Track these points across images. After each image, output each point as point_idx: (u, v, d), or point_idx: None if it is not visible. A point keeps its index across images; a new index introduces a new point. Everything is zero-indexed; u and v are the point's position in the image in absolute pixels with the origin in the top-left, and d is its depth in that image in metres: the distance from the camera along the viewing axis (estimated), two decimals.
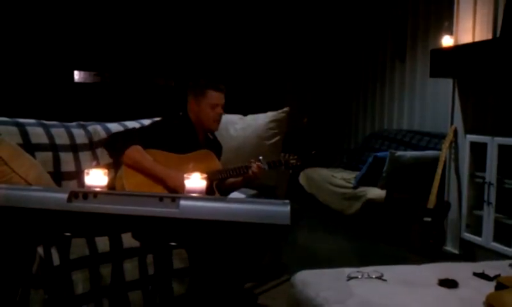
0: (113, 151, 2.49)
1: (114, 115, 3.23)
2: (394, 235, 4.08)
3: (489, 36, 3.55)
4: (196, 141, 2.70)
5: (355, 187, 4.59)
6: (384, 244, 4.10)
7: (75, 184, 2.52)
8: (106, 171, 1.60)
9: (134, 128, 2.75)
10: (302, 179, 5.72)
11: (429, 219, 3.78)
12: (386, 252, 3.93)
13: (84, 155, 2.65)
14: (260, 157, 2.67)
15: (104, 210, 1.39)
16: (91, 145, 2.70)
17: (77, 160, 2.59)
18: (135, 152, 2.44)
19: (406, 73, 5.52)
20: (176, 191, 2.34)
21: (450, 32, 3.91)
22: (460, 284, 1.83)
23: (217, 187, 2.63)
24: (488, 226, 3.48)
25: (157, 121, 2.76)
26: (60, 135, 2.58)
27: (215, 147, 2.82)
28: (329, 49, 6.94)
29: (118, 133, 2.62)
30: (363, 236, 4.37)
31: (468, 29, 3.73)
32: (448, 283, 1.83)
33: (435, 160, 3.94)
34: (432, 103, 5.02)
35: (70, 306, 1.96)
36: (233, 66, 6.22)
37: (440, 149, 4.02)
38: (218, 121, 2.72)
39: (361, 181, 4.56)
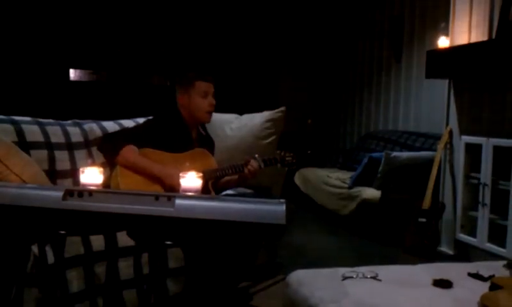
0: (107, 153, 2.49)
1: (109, 113, 3.22)
2: (389, 235, 4.09)
3: (485, 38, 3.56)
4: (189, 137, 2.69)
5: (350, 187, 4.60)
6: (379, 244, 4.11)
7: (70, 182, 2.51)
8: (101, 169, 1.60)
9: (127, 128, 2.74)
10: (297, 179, 5.73)
11: (424, 220, 3.78)
12: (381, 252, 3.93)
13: (80, 154, 2.63)
14: (256, 155, 2.67)
15: (99, 209, 1.39)
16: (87, 143, 2.69)
17: (72, 159, 2.58)
18: (129, 153, 2.43)
19: (402, 73, 5.53)
20: (173, 189, 2.34)
21: (447, 33, 3.92)
22: (454, 284, 1.84)
23: (212, 186, 2.62)
24: (483, 227, 3.49)
25: (149, 119, 2.75)
26: (55, 134, 2.57)
27: (208, 143, 2.81)
28: (325, 49, 6.95)
29: (110, 134, 2.62)
30: (358, 236, 4.38)
31: (463, 30, 3.73)
32: (443, 283, 1.83)
33: (430, 161, 3.95)
34: (428, 104, 5.03)
35: (64, 304, 1.95)
36: (230, 66, 6.22)
37: (435, 150, 4.03)
38: (210, 112, 2.70)
39: (357, 182, 4.56)
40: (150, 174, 2.42)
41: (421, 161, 4.24)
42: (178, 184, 1.65)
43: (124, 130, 2.69)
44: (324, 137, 6.92)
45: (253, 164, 2.61)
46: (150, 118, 2.77)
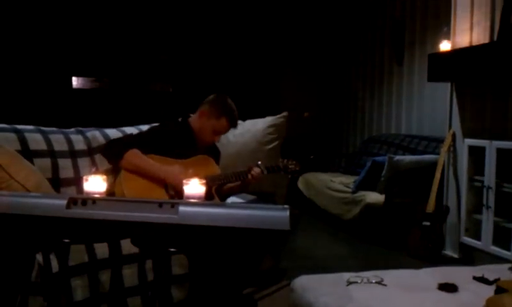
0: (111, 157, 2.49)
1: (112, 121, 3.23)
2: (393, 239, 4.08)
3: (487, 40, 3.56)
4: (194, 146, 2.70)
5: (354, 192, 4.59)
6: (384, 248, 4.10)
7: (73, 190, 2.52)
8: (105, 177, 1.60)
9: (131, 134, 2.75)
10: (301, 184, 5.72)
11: (428, 223, 3.78)
12: (385, 256, 3.92)
13: (83, 161, 2.64)
14: (259, 162, 2.67)
15: (103, 217, 1.39)
16: (90, 151, 2.70)
17: (75, 167, 2.59)
18: (133, 156, 2.43)
19: (404, 77, 5.53)
20: (177, 188, 2.34)
21: (448, 36, 3.92)
22: (460, 288, 1.83)
23: (216, 192, 2.62)
24: (487, 230, 3.48)
25: (154, 126, 2.76)
26: (58, 142, 2.58)
27: (213, 152, 2.82)
28: (327, 53, 6.95)
29: (115, 140, 2.62)
30: (362, 240, 4.36)
31: (465, 33, 3.73)
32: (448, 287, 1.83)
33: (434, 164, 3.94)
34: (430, 108, 5.03)
35: None
36: (232, 71, 6.23)
37: (438, 154, 4.02)
38: (212, 143, 2.77)
39: (360, 186, 4.55)
40: (153, 176, 2.43)
41: (424, 164, 4.24)
42: (181, 183, 1.64)
43: (128, 136, 2.70)
44: (327, 142, 6.92)
45: (256, 170, 2.62)
46: (156, 124, 2.78)
